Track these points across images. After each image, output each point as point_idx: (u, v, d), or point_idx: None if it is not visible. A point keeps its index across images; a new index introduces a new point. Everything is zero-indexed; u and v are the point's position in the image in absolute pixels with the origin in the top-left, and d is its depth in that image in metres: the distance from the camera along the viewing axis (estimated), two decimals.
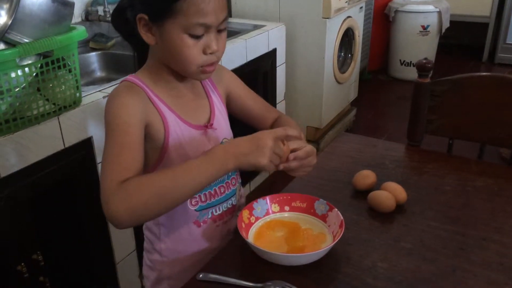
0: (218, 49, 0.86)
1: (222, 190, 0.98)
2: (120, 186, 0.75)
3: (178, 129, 0.89)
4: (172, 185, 0.77)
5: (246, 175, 2.42)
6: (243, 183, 2.39)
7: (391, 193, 1.01)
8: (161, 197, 0.76)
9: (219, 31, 0.86)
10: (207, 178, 0.79)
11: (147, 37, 0.85)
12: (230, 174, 0.99)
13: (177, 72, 0.90)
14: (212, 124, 0.95)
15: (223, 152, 0.79)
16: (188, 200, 0.93)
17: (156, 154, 0.89)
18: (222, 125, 0.98)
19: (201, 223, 0.97)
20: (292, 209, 0.98)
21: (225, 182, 0.98)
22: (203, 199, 0.95)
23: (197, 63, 0.85)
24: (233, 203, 1.01)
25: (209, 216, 0.97)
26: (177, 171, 0.78)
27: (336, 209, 0.93)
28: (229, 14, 2.76)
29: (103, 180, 0.77)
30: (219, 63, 0.93)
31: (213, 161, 0.79)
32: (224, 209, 0.99)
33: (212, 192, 0.96)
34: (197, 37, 0.83)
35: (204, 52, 0.85)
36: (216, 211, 0.98)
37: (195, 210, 0.95)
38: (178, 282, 0.91)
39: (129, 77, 0.90)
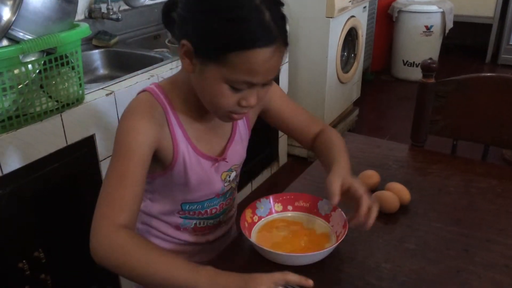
0: (256, 103, 0.79)
1: (213, 211, 0.97)
2: (113, 232, 0.73)
3: (187, 157, 0.86)
4: (143, 271, 0.71)
5: (248, 174, 2.42)
6: (245, 183, 2.40)
7: (395, 194, 1.00)
8: (131, 273, 0.72)
9: (264, 85, 0.78)
10: (173, 286, 0.71)
11: (185, 63, 0.78)
12: (227, 196, 0.98)
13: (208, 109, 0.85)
14: (224, 158, 0.92)
15: (209, 279, 0.70)
16: (176, 211, 0.94)
17: (160, 169, 0.88)
18: (235, 153, 0.95)
19: (181, 229, 0.97)
20: (295, 208, 0.98)
21: (219, 205, 0.97)
22: (190, 214, 0.95)
23: (228, 110, 0.80)
24: (221, 220, 1.00)
25: (191, 226, 0.97)
26: (156, 262, 0.71)
27: (340, 209, 0.93)
28: None
29: (97, 210, 0.76)
30: None
31: (192, 279, 0.70)
32: (209, 224, 0.99)
33: (203, 212, 0.96)
34: (237, 90, 0.76)
35: (239, 104, 0.78)
36: (199, 224, 0.97)
37: (180, 217, 0.95)
38: None
39: (154, 86, 0.84)
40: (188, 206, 0.94)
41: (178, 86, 0.86)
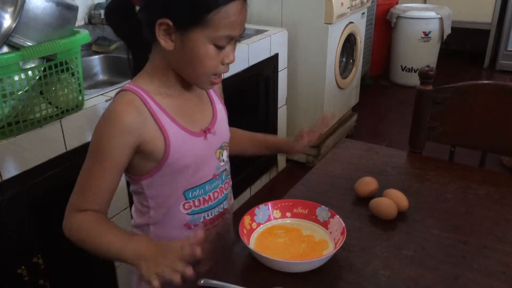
0: (234, 59, 0.86)
1: (216, 195, 0.98)
2: (75, 215, 0.86)
3: (179, 140, 0.88)
4: (94, 245, 0.84)
5: (246, 180, 2.42)
6: (244, 188, 2.40)
7: (393, 200, 1.01)
8: (88, 246, 0.85)
9: (235, 41, 0.86)
10: (113, 256, 0.86)
11: (165, 41, 0.82)
12: (223, 178, 1.00)
13: (188, 80, 0.89)
14: (210, 129, 0.94)
15: (134, 250, 0.80)
16: (181, 204, 0.94)
17: (153, 165, 0.89)
18: (222, 129, 0.99)
19: (192, 226, 0.97)
20: (294, 215, 0.98)
21: (219, 188, 0.98)
22: (196, 204, 0.95)
23: (212, 73, 0.86)
24: (225, 206, 1.02)
25: (201, 220, 0.97)
26: (102, 235, 0.84)
27: (338, 216, 0.93)
28: None
29: (70, 198, 0.88)
30: None
31: (122, 248, 0.81)
32: (216, 213, 0.99)
33: (206, 197, 0.96)
34: (220, 48, 0.83)
35: (222, 63, 0.85)
36: (208, 216, 0.98)
37: (187, 213, 0.95)
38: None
39: (130, 85, 0.87)
40: (190, 193, 0.94)
41: (152, 76, 0.89)
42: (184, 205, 0.94)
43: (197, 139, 0.92)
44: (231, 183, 1.05)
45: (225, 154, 0.99)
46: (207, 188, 0.96)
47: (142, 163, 0.88)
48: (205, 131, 0.93)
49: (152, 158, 0.88)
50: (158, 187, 0.92)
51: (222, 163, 0.98)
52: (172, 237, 0.95)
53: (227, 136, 1.01)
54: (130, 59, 0.94)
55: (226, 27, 0.80)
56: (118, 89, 0.88)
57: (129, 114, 0.83)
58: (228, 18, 0.79)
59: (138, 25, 0.85)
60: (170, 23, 0.80)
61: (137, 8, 0.85)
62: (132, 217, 1.02)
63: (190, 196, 0.94)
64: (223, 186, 1.00)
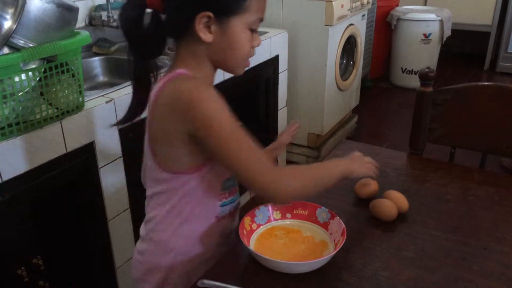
0: (260, 42, 0.92)
1: (236, 186, 1.00)
2: (275, 170, 0.86)
3: None
4: (320, 176, 0.92)
5: None
6: (244, 189, 2.39)
7: (393, 202, 1.01)
8: (315, 182, 0.90)
9: None
10: (332, 180, 0.93)
11: (204, 34, 0.84)
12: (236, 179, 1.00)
13: (228, 68, 0.92)
14: None
15: (343, 163, 0.97)
16: (218, 195, 0.95)
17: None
18: None
19: (220, 218, 0.97)
20: (294, 216, 0.98)
21: (236, 184, 1.00)
22: (227, 196, 0.96)
23: (247, 56, 0.90)
24: (239, 202, 1.03)
25: (227, 212, 0.98)
26: (320, 168, 0.96)
27: (338, 217, 0.93)
28: None
29: (251, 173, 0.83)
30: None
31: (342, 166, 0.95)
32: (234, 208, 1.01)
33: (233, 190, 0.98)
34: (253, 32, 0.88)
35: (253, 46, 0.90)
36: (230, 209, 0.99)
37: (219, 205, 0.96)
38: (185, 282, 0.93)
39: (183, 71, 0.87)
40: (225, 184, 0.95)
41: (192, 69, 0.88)
42: (219, 196, 0.95)
43: None
44: None
45: None
46: (231, 180, 0.97)
47: (197, 149, 0.87)
48: None
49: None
50: (209, 176, 0.91)
51: None
52: (204, 231, 0.96)
53: None
54: (136, 63, 0.91)
55: (259, 10, 0.86)
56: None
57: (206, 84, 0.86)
58: (261, 2, 0.86)
59: (151, 30, 0.86)
60: (211, 15, 0.83)
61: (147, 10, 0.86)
62: (144, 223, 1.01)
63: (225, 187, 0.95)
64: (236, 187, 1.01)
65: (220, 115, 0.82)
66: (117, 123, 1.00)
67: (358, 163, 1.00)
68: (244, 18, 0.84)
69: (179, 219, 0.94)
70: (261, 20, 0.88)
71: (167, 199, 0.93)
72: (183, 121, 0.82)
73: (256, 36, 0.90)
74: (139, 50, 0.90)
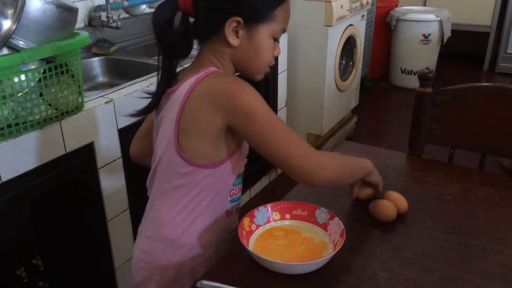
0: (280, 51, 0.96)
1: (241, 188, 1.03)
2: (322, 154, 0.90)
3: None
4: (350, 166, 0.98)
5: (246, 182, 2.42)
6: (243, 190, 2.39)
7: (392, 202, 1.01)
8: (350, 170, 0.97)
9: None
10: (360, 172, 1.00)
11: (232, 38, 0.88)
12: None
13: (249, 73, 0.95)
14: None
15: (367, 164, 1.01)
16: (230, 190, 0.98)
17: (236, 142, 0.94)
18: None
19: (230, 214, 1.01)
20: (293, 217, 0.98)
21: (241, 183, 1.03)
22: (236, 192, 1.01)
23: (268, 64, 0.94)
24: (239, 200, 1.05)
25: (234, 209, 1.02)
26: (349, 158, 0.99)
27: (337, 218, 0.93)
28: None
29: (298, 151, 0.86)
30: None
31: (365, 163, 1.01)
32: (238, 206, 1.05)
33: (240, 187, 1.02)
34: (276, 41, 0.93)
35: (274, 55, 0.94)
36: (236, 206, 1.04)
37: (230, 200, 0.99)
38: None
39: (214, 69, 0.91)
40: (237, 180, 0.99)
41: (219, 67, 0.92)
42: (230, 191, 0.98)
43: None
44: None
45: None
46: (240, 177, 1.00)
47: (236, 139, 0.92)
48: None
49: (236, 140, 0.93)
50: (227, 170, 0.94)
51: None
52: (214, 226, 0.98)
53: None
54: (160, 65, 0.94)
55: (284, 21, 0.91)
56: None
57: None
58: (287, 14, 0.91)
59: (181, 32, 0.89)
60: (241, 20, 0.87)
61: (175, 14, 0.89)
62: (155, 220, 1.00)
63: (236, 183, 0.99)
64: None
65: (260, 105, 0.86)
66: (137, 114, 0.99)
67: (376, 172, 1.03)
68: (271, 27, 0.89)
69: (195, 213, 0.95)
70: (284, 31, 0.93)
71: (185, 193, 0.94)
72: (223, 113, 0.86)
73: (277, 45, 0.94)
74: (169, 51, 0.92)
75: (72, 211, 1.42)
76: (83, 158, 1.38)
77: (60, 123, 1.29)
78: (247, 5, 0.87)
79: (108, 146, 1.45)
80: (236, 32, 0.88)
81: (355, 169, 0.98)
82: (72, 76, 1.28)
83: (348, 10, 2.63)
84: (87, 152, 1.39)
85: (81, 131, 1.35)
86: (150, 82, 1.61)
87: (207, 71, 0.89)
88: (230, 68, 0.94)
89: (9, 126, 1.17)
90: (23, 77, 1.14)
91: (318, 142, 2.81)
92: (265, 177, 2.62)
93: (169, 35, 0.89)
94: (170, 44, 0.91)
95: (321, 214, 0.96)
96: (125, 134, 1.47)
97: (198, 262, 0.98)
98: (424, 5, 4.50)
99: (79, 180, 1.40)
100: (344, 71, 2.96)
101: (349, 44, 2.88)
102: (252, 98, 0.86)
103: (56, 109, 1.27)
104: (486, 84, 1.31)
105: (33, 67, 1.16)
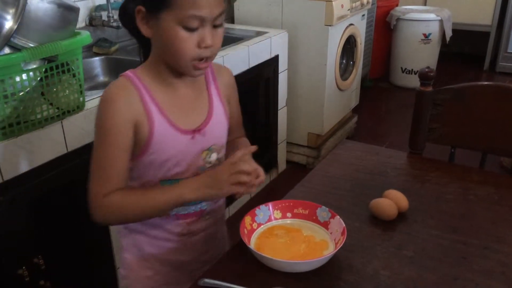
0: (212, 44, 0.85)
1: None
2: (103, 201, 0.88)
3: (163, 133, 0.90)
4: (140, 214, 0.92)
5: None
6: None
7: (393, 201, 1.01)
8: (135, 217, 0.94)
9: (215, 27, 0.85)
10: (168, 207, 0.91)
11: (144, 29, 0.86)
12: None
13: (175, 68, 0.90)
14: (200, 130, 0.94)
15: (190, 187, 0.89)
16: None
17: (139, 149, 0.91)
18: (215, 129, 0.97)
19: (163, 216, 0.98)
20: (294, 215, 0.99)
21: None
22: None
23: (190, 57, 0.85)
24: (202, 208, 1.01)
25: (173, 213, 0.98)
26: (145, 200, 0.90)
27: (338, 216, 0.93)
28: (232, 21, 2.77)
29: (89, 189, 0.89)
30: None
31: (178, 193, 0.89)
32: (191, 211, 1.00)
33: None
34: (191, 30, 0.83)
35: (199, 46, 0.84)
36: (180, 211, 0.99)
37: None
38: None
39: (128, 72, 0.91)
40: (166, 184, 0.95)
41: (150, 67, 0.92)
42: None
43: (182, 136, 0.92)
44: None
45: (213, 156, 0.98)
46: None
47: (133, 145, 0.91)
48: (194, 131, 0.94)
49: (138, 143, 0.90)
50: (140, 171, 0.94)
51: (208, 165, 0.97)
52: (145, 230, 1.00)
53: (221, 139, 1.00)
54: (141, 53, 0.97)
55: (190, 6, 0.80)
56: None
57: (122, 96, 0.88)
58: None
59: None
60: (144, 9, 0.84)
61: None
62: None
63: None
64: None
65: (99, 125, 0.91)
66: None
67: (217, 186, 0.87)
68: (174, 14, 0.81)
69: None
70: (199, 18, 0.82)
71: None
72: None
73: (203, 35, 0.84)
74: (141, 44, 0.95)
75: (73, 210, 1.42)
76: (85, 158, 1.37)
77: (61, 123, 1.29)
78: None
79: None
80: (148, 23, 0.85)
81: (152, 211, 0.92)
82: (73, 75, 1.28)
83: (348, 10, 2.63)
84: (89, 151, 1.38)
85: (82, 131, 1.35)
86: None
87: (122, 74, 0.92)
88: (158, 64, 0.90)
89: (10, 125, 1.17)
90: (24, 76, 1.15)
91: (319, 141, 2.82)
92: (266, 176, 2.62)
93: (132, 27, 0.90)
94: (132, 31, 0.92)
95: (322, 212, 0.96)
96: None
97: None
98: (425, 4, 4.49)
99: (81, 179, 1.39)
100: (345, 70, 2.96)
101: (349, 44, 2.88)
102: (101, 112, 0.88)
103: (58, 108, 1.28)
104: (486, 83, 1.31)
105: (34, 66, 1.17)
